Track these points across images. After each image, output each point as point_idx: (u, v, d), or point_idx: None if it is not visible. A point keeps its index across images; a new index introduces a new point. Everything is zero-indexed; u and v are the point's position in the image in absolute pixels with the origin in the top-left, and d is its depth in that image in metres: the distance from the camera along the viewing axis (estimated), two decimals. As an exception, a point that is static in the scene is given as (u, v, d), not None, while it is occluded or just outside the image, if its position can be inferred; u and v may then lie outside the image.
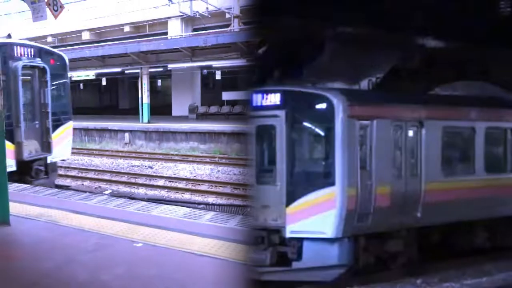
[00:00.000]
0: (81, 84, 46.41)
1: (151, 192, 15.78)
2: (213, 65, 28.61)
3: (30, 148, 13.20)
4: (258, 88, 7.18)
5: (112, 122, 29.19)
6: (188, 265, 5.95)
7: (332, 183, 6.79)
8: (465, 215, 7.85)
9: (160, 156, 22.74)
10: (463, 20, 8.24)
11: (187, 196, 15.25)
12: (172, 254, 6.28)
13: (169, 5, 31.95)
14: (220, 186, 16.18)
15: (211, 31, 30.53)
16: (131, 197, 12.90)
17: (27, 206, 8.72)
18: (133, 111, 36.04)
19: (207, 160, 21.49)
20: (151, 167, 20.47)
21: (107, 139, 27.88)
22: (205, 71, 32.45)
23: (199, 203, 13.49)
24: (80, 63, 31.62)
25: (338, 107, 6.80)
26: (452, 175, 7.90)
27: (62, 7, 13.23)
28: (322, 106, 6.94)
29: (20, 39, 16.66)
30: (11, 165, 11.55)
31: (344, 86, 7.75)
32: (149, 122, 29.45)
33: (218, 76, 30.68)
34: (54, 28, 36.74)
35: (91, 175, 19.01)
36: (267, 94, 7.15)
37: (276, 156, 7.03)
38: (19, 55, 12.94)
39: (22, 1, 13.75)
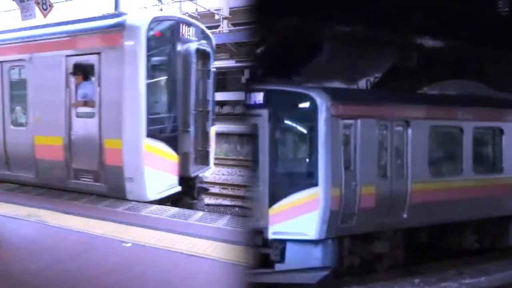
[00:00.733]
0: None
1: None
2: (202, 66, 28.37)
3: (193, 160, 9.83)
4: (243, 88, 7.11)
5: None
6: (177, 265, 5.91)
7: (315, 184, 6.67)
8: (452, 216, 7.75)
9: (150, 156, 22.42)
10: (454, 19, 8.20)
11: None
12: (161, 254, 6.24)
13: (158, 6, 31.77)
14: (209, 186, 16.03)
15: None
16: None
17: (16, 206, 8.60)
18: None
19: (196, 160, 21.25)
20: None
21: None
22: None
23: (188, 203, 13.28)
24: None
25: (321, 106, 6.68)
26: (439, 176, 7.80)
27: (51, 6, 13.02)
28: (305, 105, 6.83)
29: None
30: (173, 184, 9.19)
31: (341, 86, 7.69)
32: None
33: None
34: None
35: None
36: (250, 94, 7.03)
37: (258, 156, 6.90)
38: (186, 36, 9.69)
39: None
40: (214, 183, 16.28)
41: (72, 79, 9.21)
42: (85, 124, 9.03)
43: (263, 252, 6.86)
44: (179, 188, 9.29)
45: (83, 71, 9.14)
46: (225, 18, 30.48)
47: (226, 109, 27.10)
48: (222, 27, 30.63)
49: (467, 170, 8.00)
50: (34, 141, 9.85)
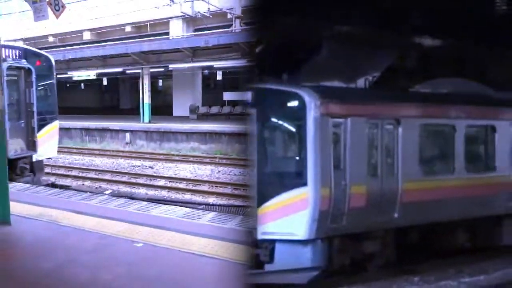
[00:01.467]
0: (82, 84, 46.63)
1: (152, 192, 15.69)
2: (214, 66, 28.52)
3: (15, 147, 13.40)
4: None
5: (113, 122, 29.10)
6: (188, 265, 5.96)
7: (304, 183, 6.61)
8: (444, 215, 7.64)
9: (161, 156, 22.67)
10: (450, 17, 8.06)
11: (187, 196, 15.16)
12: (172, 254, 6.29)
13: (170, 5, 31.90)
14: (221, 187, 16.10)
15: (212, 31, 30.44)
16: (132, 197, 12.72)
17: (28, 205, 8.75)
18: (134, 111, 36.02)
19: (208, 160, 21.38)
20: (151, 167, 20.41)
21: (108, 139, 27.85)
22: (206, 71, 32.31)
23: (200, 204, 13.35)
24: (81, 63, 31.67)
25: (310, 105, 6.62)
26: (431, 174, 7.69)
27: (63, 7, 13.13)
28: (293, 103, 6.77)
29: (15, 39, 16.85)
30: None
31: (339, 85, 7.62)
32: (150, 122, 29.39)
33: (219, 76, 30.59)
34: (55, 28, 36.70)
35: (91, 175, 18.95)
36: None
37: (250, 156, 6.87)
38: (4, 56, 12.71)
39: (24, 1, 13.76)
40: (227, 184, 16.36)
41: None
42: None
43: (254, 252, 6.85)
44: None
45: None
46: (238, 17, 30.49)
47: (238, 109, 27.17)
48: (235, 26, 30.68)
49: (460, 169, 7.87)
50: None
